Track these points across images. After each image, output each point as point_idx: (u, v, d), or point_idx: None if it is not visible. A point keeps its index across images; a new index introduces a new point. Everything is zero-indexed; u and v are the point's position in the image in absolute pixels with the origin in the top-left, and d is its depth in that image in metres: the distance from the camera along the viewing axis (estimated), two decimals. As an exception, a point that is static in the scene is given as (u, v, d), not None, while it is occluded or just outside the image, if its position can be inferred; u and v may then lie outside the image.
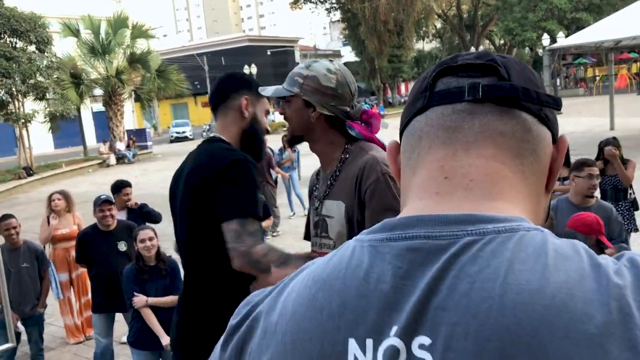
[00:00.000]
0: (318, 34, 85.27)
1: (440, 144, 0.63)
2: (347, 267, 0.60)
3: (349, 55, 63.92)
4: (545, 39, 33.05)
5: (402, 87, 68.45)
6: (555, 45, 18.85)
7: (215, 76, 51.00)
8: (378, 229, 0.61)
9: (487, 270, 0.53)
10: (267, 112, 2.35)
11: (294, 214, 11.03)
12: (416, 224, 0.59)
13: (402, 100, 60.21)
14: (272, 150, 11.48)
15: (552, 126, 0.65)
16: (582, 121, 22.06)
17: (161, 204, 4.28)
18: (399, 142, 0.70)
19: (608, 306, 0.49)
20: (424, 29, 51.82)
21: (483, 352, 0.50)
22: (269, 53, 54.68)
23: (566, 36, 32.76)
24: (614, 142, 5.41)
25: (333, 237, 1.97)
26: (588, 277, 0.51)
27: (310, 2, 50.60)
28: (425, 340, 0.53)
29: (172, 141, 38.55)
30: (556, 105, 0.64)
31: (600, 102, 26.64)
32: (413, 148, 0.66)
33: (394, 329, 0.55)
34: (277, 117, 40.35)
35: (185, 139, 38.40)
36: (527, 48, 54.55)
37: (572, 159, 4.55)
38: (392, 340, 0.55)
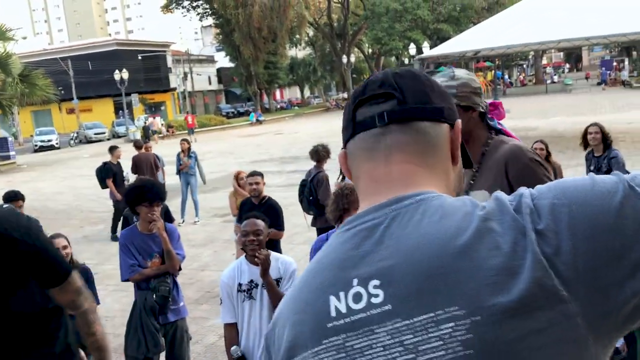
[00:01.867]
0: (189, 38, 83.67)
1: (366, 160, 0.89)
2: (323, 255, 0.86)
3: (223, 60, 63.48)
4: (412, 48, 35.13)
5: (278, 93, 69.22)
6: (424, 55, 20.18)
7: (82, 81, 48.70)
8: (345, 223, 0.87)
9: (407, 229, 0.79)
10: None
11: (184, 221, 10.88)
12: (363, 215, 0.85)
13: (279, 106, 60.92)
14: (157, 156, 11.31)
15: (447, 120, 0.91)
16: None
17: (38, 217, 4.11)
18: (345, 152, 0.95)
19: (471, 229, 0.75)
20: (297, 36, 52.78)
21: (413, 279, 0.75)
22: (139, 57, 52.83)
23: (431, 46, 35.07)
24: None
25: None
26: (467, 215, 0.77)
27: (182, 6, 49.75)
28: (376, 282, 0.77)
29: (36, 150, 36.03)
30: (438, 116, 0.89)
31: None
32: (352, 164, 0.92)
33: (355, 280, 0.79)
34: (157, 123, 39.12)
35: (52, 147, 36.09)
36: (393, 57, 57.40)
37: None
38: (356, 288, 0.78)
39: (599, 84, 48.35)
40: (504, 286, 0.71)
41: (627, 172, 0.79)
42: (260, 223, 3.29)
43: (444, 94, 0.93)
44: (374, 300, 0.76)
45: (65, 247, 3.86)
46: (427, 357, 0.72)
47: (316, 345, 0.79)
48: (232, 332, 3.28)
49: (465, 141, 1.97)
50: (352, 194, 3.27)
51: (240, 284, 3.25)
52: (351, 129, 0.91)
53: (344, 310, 0.78)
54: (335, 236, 0.87)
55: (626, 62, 54.85)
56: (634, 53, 56.50)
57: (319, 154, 6.74)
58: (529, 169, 1.99)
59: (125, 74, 36.54)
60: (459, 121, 0.93)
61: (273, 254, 3.37)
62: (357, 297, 0.77)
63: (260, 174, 5.83)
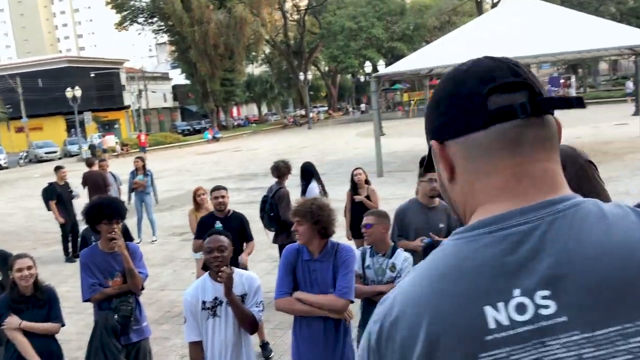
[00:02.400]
0: (144, 55, 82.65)
1: (509, 156, 0.80)
2: (459, 259, 0.78)
3: (178, 78, 62.96)
4: (368, 66, 35.64)
5: (235, 110, 68.94)
6: (380, 73, 20.49)
7: (31, 99, 47.34)
8: (476, 226, 0.80)
9: (573, 236, 0.74)
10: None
11: (141, 240, 10.68)
12: (509, 217, 0.78)
13: (236, 123, 60.62)
14: (113, 175, 11.12)
15: (571, 106, 0.83)
16: (403, 141, 24.16)
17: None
18: (439, 142, 0.87)
19: None
20: (253, 53, 52.86)
21: (592, 290, 0.71)
22: (92, 75, 51.86)
23: (386, 64, 35.63)
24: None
25: None
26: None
27: (137, 23, 49.24)
28: (545, 292, 0.72)
29: (-18, 170, 34.85)
30: (567, 106, 0.83)
31: (418, 123, 29.23)
32: (479, 157, 0.82)
33: (517, 291, 0.73)
34: (107, 141, 38.35)
35: (-1, 167, 35.01)
36: (350, 74, 58.10)
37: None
38: (519, 299, 0.73)
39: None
40: None
41: None
42: (224, 239, 3.28)
43: (563, 98, 0.85)
44: (543, 311, 0.72)
45: (30, 268, 3.76)
46: None
47: (470, 359, 0.72)
48: (197, 351, 3.25)
49: None
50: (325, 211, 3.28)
51: (204, 302, 3.23)
52: (482, 118, 0.80)
53: (505, 322, 0.72)
54: (469, 239, 0.79)
55: (573, 79, 56.90)
56: (580, 70, 58.70)
57: (280, 169, 6.74)
58: (583, 171, 1.97)
59: (77, 92, 35.80)
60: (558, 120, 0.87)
61: (237, 271, 3.36)
62: (521, 308, 0.72)
63: (225, 188, 5.79)
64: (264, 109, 71.09)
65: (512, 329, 0.72)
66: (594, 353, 0.70)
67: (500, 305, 0.73)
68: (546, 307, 0.72)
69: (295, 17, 55.63)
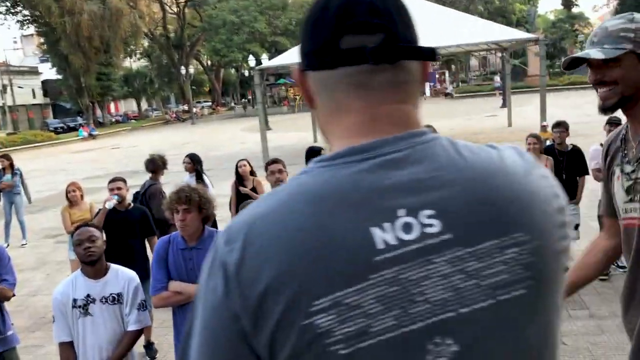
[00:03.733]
0: (7, 48, 76.53)
1: (357, 98, 0.81)
2: (327, 187, 0.76)
3: (48, 72, 58.95)
4: (251, 60, 35.39)
5: (112, 105, 65.79)
6: (263, 66, 20.38)
7: None
8: (346, 153, 0.79)
9: (447, 161, 0.78)
10: None
11: (9, 244, 9.85)
12: (379, 146, 0.78)
13: (114, 120, 57.88)
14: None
15: (422, 57, 0.84)
16: (289, 135, 24.27)
17: None
18: (301, 70, 0.86)
19: (531, 170, 0.84)
20: (131, 47, 50.68)
21: (474, 208, 0.76)
22: (-53, 69, 47.30)
23: (269, 57, 35.58)
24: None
25: None
26: (514, 156, 0.85)
27: (-1, 11, 45.48)
28: (429, 212, 0.75)
29: None
30: (431, 58, 0.84)
31: (303, 118, 29.53)
32: (330, 96, 0.83)
33: (401, 211, 0.74)
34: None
35: None
36: (233, 69, 57.46)
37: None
38: (404, 219, 0.74)
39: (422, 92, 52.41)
40: (562, 225, 0.83)
41: None
42: (94, 230, 3.07)
43: (415, 25, 0.85)
44: (428, 230, 0.74)
45: None
46: (489, 281, 0.75)
47: (360, 281, 0.71)
48: (67, 352, 3.00)
49: (636, 98, 1.76)
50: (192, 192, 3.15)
51: (75, 300, 2.99)
52: (331, 58, 0.80)
53: (393, 242, 0.73)
54: (341, 165, 0.78)
55: (447, 74, 60.08)
56: (453, 66, 62.16)
57: (155, 163, 6.37)
58: None
59: None
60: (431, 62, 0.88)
61: (113, 267, 3.16)
62: (407, 228, 0.74)
63: (123, 180, 5.44)
64: (144, 105, 68.49)
65: (399, 248, 0.73)
66: (475, 266, 0.74)
67: (387, 225, 0.74)
68: (431, 225, 0.74)
69: (175, 9, 54.04)
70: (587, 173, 6.16)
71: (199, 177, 6.99)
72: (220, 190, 8.15)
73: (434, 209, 0.75)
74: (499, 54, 22.15)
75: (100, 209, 5.40)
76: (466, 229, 0.75)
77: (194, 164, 7.07)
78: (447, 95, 46.81)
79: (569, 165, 6.02)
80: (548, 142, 6.60)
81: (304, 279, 0.71)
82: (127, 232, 5.11)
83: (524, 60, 42.93)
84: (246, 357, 0.74)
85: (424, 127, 0.83)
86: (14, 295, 3.77)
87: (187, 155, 7.18)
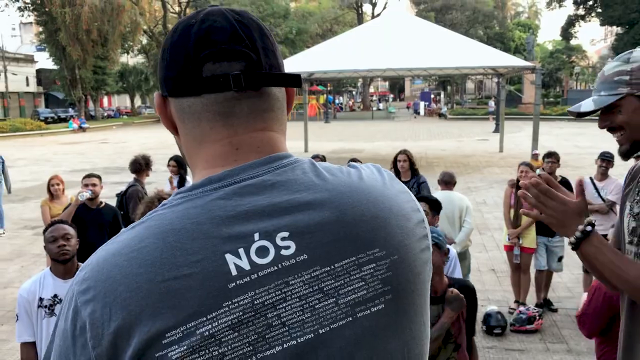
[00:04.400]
0: (5, 34, 76.01)
1: (222, 126, 0.81)
2: (183, 217, 0.75)
3: (45, 62, 58.54)
4: (248, 66, 35.31)
5: (105, 100, 65.42)
6: (259, 72, 20.37)
7: None
8: (203, 183, 0.78)
9: (303, 184, 0.79)
10: None
11: (-13, 233, 9.69)
12: (236, 173, 0.78)
13: (105, 114, 57.52)
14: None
15: (287, 84, 0.85)
16: (281, 143, 24.19)
17: None
18: (162, 96, 0.84)
19: (384, 186, 0.88)
20: (129, 42, 50.48)
21: (330, 228, 0.77)
22: (-58, 50, 46.80)
23: (266, 65, 35.51)
24: (321, 157, 6.31)
25: None
26: (369, 175, 0.87)
27: (-1, -3, 45.19)
28: (284, 234, 0.75)
29: None
30: (297, 85, 0.85)
31: (295, 127, 29.45)
32: (194, 124, 0.82)
33: (256, 235, 0.74)
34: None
35: None
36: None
37: None
38: (259, 242, 0.74)
39: (415, 110, 52.73)
40: (423, 237, 0.86)
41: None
42: (69, 227, 2.96)
43: (279, 51, 0.86)
44: (284, 252, 0.75)
45: None
46: (348, 298, 0.76)
47: (213, 310, 0.71)
48: (30, 353, 2.89)
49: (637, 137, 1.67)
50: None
51: (41, 299, 2.88)
52: (194, 85, 0.79)
53: (247, 267, 0.73)
54: (189, 198, 0.77)
55: (442, 95, 60.37)
56: (449, 88, 62.50)
57: (137, 165, 6.23)
58: None
59: None
60: (298, 85, 0.87)
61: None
62: (263, 251, 0.74)
63: (98, 176, 5.28)
64: (138, 102, 68.19)
65: (254, 273, 0.73)
66: (333, 284, 0.75)
67: (241, 250, 0.74)
68: (287, 247, 0.75)
69: (177, 9, 53.98)
70: (575, 205, 6.13)
71: (182, 182, 6.86)
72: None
73: (288, 230, 0.75)
74: (495, 79, 22.27)
75: (70, 203, 5.26)
76: (322, 249, 0.75)
77: (179, 167, 6.93)
78: (440, 115, 46.99)
79: (557, 196, 5.99)
80: (538, 171, 6.56)
81: (155, 314, 0.70)
82: (96, 231, 4.97)
83: (520, 88, 43.28)
84: None
85: (287, 152, 0.84)
86: None
87: (173, 159, 7.02)
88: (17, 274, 7.51)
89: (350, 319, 0.75)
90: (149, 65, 59.36)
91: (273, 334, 0.72)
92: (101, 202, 5.26)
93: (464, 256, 5.42)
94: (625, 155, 1.71)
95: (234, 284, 0.72)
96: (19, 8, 46.11)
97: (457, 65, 16.98)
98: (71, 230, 2.99)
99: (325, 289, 0.75)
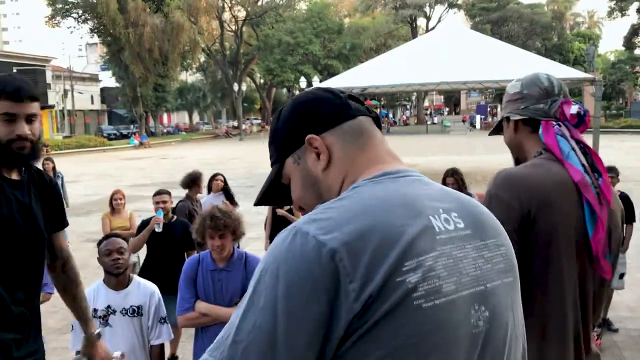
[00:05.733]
0: (73, 55, 79.63)
1: (374, 137, 1.12)
2: (390, 191, 1.01)
3: (108, 81, 61.03)
4: (303, 82, 35.78)
5: (165, 116, 67.44)
6: (312, 88, 20.55)
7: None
8: (382, 174, 1.05)
9: (434, 183, 1.08)
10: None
11: None
12: (405, 170, 1.08)
13: (165, 131, 59.26)
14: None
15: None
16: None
17: None
18: (318, 136, 1.10)
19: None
20: (188, 61, 52.01)
21: (475, 215, 1.06)
22: (15, 70, 49.44)
23: (320, 80, 35.88)
24: None
25: None
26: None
27: (70, 16, 47.40)
28: (455, 214, 1.02)
29: None
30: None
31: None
32: (356, 137, 1.10)
33: (441, 210, 1.01)
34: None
35: None
36: (285, 89, 58.16)
37: None
38: (444, 215, 1.00)
39: (471, 124, 52.00)
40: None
41: None
42: (122, 241, 3.09)
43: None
44: (458, 225, 1.01)
45: None
46: (497, 267, 1.04)
47: (432, 252, 0.94)
48: None
49: (521, 155, 1.91)
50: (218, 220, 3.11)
51: (95, 310, 3.00)
52: (351, 112, 1.10)
53: (442, 228, 0.98)
54: (385, 182, 1.03)
55: (499, 109, 59.29)
56: (505, 101, 61.33)
57: (185, 182, 6.39)
58: (486, 200, 1.78)
59: (-3, 87, 33.92)
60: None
61: (135, 279, 3.18)
62: (447, 221, 1.00)
63: (168, 192, 5.44)
64: (196, 118, 69.97)
65: (447, 234, 0.98)
66: (488, 254, 1.03)
67: (437, 217, 0.99)
68: (458, 222, 1.01)
69: (233, 27, 55.29)
70: (634, 220, 5.92)
71: (229, 196, 6.97)
72: (259, 208, 8.17)
73: (457, 212, 1.03)
74: (554, 92, 21.68)
75: (143, 221, 5.42)
76: (478, 229, 1.04)
77: (225, 183, 7.08)
78: (497, 129, 46.07)
79: (616, 211, 5.79)
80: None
81: (399, 249, 0.91)
82: (169, 245, 5.11)
83: (580, 100, 41.97)
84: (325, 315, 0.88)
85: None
86: (51, 294, 3.85)
87: (219, 174, 7.16)
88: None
89: (500, 282, 1.03)
90: (207, 82, 60.92)
91: (464, 280, 0.97)
92: (172, 217, 5.39)
93: None
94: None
95: (440, 237, 0.97)
96: (90, 29, 48.24)
97: (513, 78, 16.68)
98: (124, 245, 3.11)
99: (485, 255, 1.02)
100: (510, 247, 1.09)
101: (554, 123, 1.79)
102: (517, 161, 1.90)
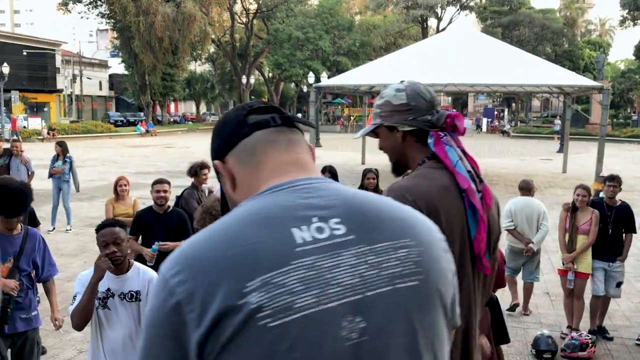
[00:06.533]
0: (83, 40, 79.62)
1: (272, 149, 1.09)
2: (258, 208, 1.00)
3: (117, 67, 61.10)
4: (311, 77, 35.75)
5: (172, 106, 67.48)
6: (320, 84, 20.55)
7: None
8: (270, 188, 1.04)
9: (338, 190, 1.05)
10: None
11: (54, 228, 10.21)
12: (293, 181, 1.05)
13: (172, 120, 59.34)
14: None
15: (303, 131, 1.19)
16: (339, 154, 24.31)
17: None
18: (222, 161, 1.13)
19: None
20: (198, 51, 52.00)
21: (370, 218, 1.01)
22: (25, 53, 49.55)
23: (329, 76, 35.85)
24: (374, 171, 6.41)
25: None
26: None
27: (81, 2, 47.45)
28: (336, 220, 0.99)
29: None
30: (309, 125, 1.23)
31: (354, 139, 29.53)
32: (250, 155, 1.10)
33: (315, 218, 0.98)
34: (32, 124, 36.77)
35: None
36: (293, 83, 58.11)
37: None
38: (317, 224, 0.97)
39: (478, 126, 51.92)
40: (443, 245, 1.08)
41: None
42: (120, 230, 3.10)
43: (300, 119, 1.21)
44: (336, 232, 0.97)
45: None
46: (388, 272, 0.96)
47: (284, 266, 0.91)
48: None
49: (404, 161, 2.03)
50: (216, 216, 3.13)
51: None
52: (245, 130, 1.10)
53: (309, 239, 0.95)
54: (264, 196, 1.03)
55: (505, 112, 59.16)
56: (514, 105, 61.20)
57: (192, 169, 6.44)
58: None
59: (5, 69, 34.03)
60: None
61: (135, 265, 3.21)
62: (320, 230, 0.96)
63: (168, 182, 5.49)
64: (203, 108, 70.03)
65: (314, 244, 0.94)
66: (374, 259, 0.96)
67: (304, 227, 0.96)
68: (338, 229, 0.97)
69: (244, 19, 55.23)
70: (634, 231, 5.93)
71: None
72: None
73: (340, 218, 0.99)
74: (562, 98, 21.66)
75: (138, 214, 5.51)
76: (366, 233, 0.98)
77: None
78: (503, 133, 46.03)
79: (616, 220, 5.81)
80: (602, 194, 6.39)
81: (237, 274, 0.89)
82: (163, 235, 5.15)
83: (588, 107, 41.91)
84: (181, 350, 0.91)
85: (318, 173, 1.11)
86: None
87: None
88: (80, 269, 7.86)
89: (391, 287, 0.96)
90: (215, 73, 60.91)
91: (332, 291, 0.92)
92: (169, 207, 5.41)
93: (536, 254, 6.49)
94: (393, 173, 2.10)
95: (300, 249, 0.93)
96: (98, 14, 48.30)
97: (521, 83, 16.66)
98: (122, 234, 3.10)
99: (370, 262, 0.96)
100: (425, 249, 1.02)
101: (442, 134, 1.93)
102: (397, 164, 2.04)
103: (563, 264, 5.84)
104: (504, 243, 6.79)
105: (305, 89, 46.37)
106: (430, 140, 1.92)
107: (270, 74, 57.81)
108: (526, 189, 6.59)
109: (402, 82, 2.01)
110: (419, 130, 1.94)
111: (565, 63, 44.10)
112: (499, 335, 3.06)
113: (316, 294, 0.90)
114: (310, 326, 0.88)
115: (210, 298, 0.88)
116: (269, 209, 0.99)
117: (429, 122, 1.93)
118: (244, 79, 49.88)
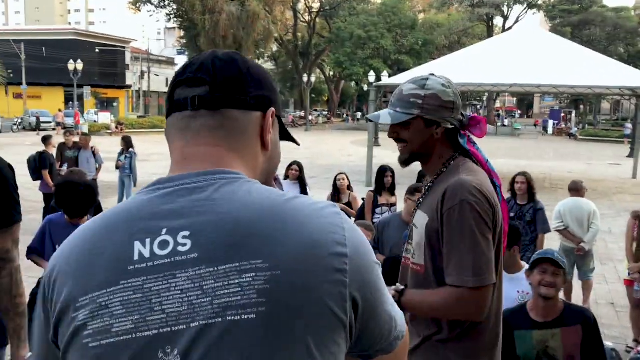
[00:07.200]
0: (152, 38, 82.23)
1: (178, 139, 0.97)
2: (123, 209, 0.93)
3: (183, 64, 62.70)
4: (371, 76, 35.62)
5: (234, 103, 68.57)
6: (381, 83, 20.47)
7: (33, 67, 47.05)
8: (154, 183, 0.95)
9: (225, 195, 0.89)
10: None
11: (120, 219, 10.60)
12: (178, 179, 0.92)
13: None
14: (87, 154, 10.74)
15: (258, 107, 0.99)
16: (396, 154, 24.07)
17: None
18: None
19: (287, 211, 0.91)
20: (261, 50, 52.76)
21: (225, 234, 0.85)
22: (97, 50, 51.67)
23: (389, 75, 35.62)
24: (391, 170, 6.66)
25: (413, 245, 2.00)
26: (278, 199, 0.92)
27: (151, 3, 49.04)
28: (186, 233, 0.86)
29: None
30: (244, 107, 0.97)
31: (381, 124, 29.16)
32: (168, 137, 1.01)
33: (164, 230, 0.87)
34: (101, 118, 38.22)
35: (-7, 131, 34.64)
36: (353, 82, 58.06)
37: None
38: (164, 237, 0.86)
39: (544, 128, 50.40)
40: (335, 270, 0.86)
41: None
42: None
43: (262, 81, 1.01)
44: (180, 248, 0.85)
45: None
46: (222, 300, 0.82)
47: (112, 285, 0.84)
48: None
49: (426, 155, 2.02)
50: None
51: None
52: (168, 107, 1.00)
53: (147, 255, 0.85)
54: (140, 194, 0.94)
55: (573, 114, 57.16)
56: (582, 107, 59.02)
57: None
58: (457, 210, 1.82)
59: (79, 65, 35.64)
60: (272, 110, 1.01)
61: None
62: (164, 245, 0.85)
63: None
64: (265, 106, 70.85)
65: (151, 262, 0.85)
66: (212, 285, 0.82)
67: (148, 241, 0.86)
68: (184, 244, 0.85)
69: (307, 18, 55.62)
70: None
71: (303, 185, 7.19)
72: (318, 198, 8.28)
73: (191, 230, 0.85)
74: (634, 101, 20.73)
75: None
76: (211, 251, 0.84)
77: (301, 172, 7.28)
78: (570, 135, 44.49)
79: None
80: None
81: (76, 282, 0.87)
82: None
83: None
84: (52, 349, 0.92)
85: (230, 168, 0.94)
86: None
87: (296, 163, 7.39)
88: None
89: (220, 319, 0.81)
90: (277, 72, 61.60)
91: (153, 318, 0.83)
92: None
93: (588, 254, 6.38)
94: (404, 163, 2.05)
95: (133, 267, 0.85)
96: (167, 14, 49.79)
97: (589, 84, 16.05)
98: None
99: (204, 287, 0.83)
100: (281, 274, 0.83)
101: (468, 134, 2.01)
102: (416, 156, 2.01)
103: (629, 274, 5.61)
104: (557, 243, 6.61)
105: (365, 87, 46.25)
106: (462, 140, 1.97)
107: (331, 73, 57.98)
108: (575, 189, 6.61)
109: (431, 74, 1.98)
110: (452, 128, 1.96)
111: (638, 64, 42.13)
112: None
113: (136, 319, 0.83)
114: (125, 352, 0.82)
115: (56, 302, 0.89)
116: (127, 213, 0.90)
117: (461, 122, 1.97)
118: (305, 78, 50.23)
